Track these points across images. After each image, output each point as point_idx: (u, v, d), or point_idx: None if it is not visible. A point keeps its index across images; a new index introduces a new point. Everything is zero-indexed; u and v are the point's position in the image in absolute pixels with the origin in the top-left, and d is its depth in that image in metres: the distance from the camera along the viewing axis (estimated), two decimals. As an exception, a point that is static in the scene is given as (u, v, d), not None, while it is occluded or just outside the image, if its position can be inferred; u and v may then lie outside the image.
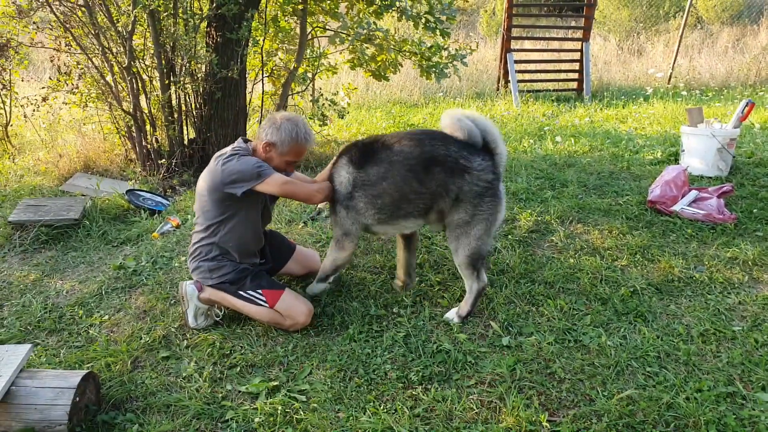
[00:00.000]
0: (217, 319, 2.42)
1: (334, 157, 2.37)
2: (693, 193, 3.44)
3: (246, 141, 2.37)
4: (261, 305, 2.31)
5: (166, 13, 4.30)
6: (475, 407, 1.84)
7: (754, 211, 3.33)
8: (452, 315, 2.33)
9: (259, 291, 2.32)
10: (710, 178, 4.00)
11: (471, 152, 2.13)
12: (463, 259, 2.22)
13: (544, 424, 1.74)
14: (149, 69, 4.55)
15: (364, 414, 1.82)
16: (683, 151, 4.24)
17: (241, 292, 2.33)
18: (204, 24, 4.46)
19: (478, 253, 2.20)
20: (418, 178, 2.14)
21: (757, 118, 6.02)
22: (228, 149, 2.31)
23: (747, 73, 9.15)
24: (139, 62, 4.42)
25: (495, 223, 2.20)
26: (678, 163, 4.28)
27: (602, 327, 2.26)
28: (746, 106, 4.01)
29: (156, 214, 3.83)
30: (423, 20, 4.60)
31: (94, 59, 4.41)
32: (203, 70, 4.53)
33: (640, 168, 4.38)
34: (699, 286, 2.56)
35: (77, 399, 1.76)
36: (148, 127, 4.54)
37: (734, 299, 2.43)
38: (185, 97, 4.61)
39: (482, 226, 2.16)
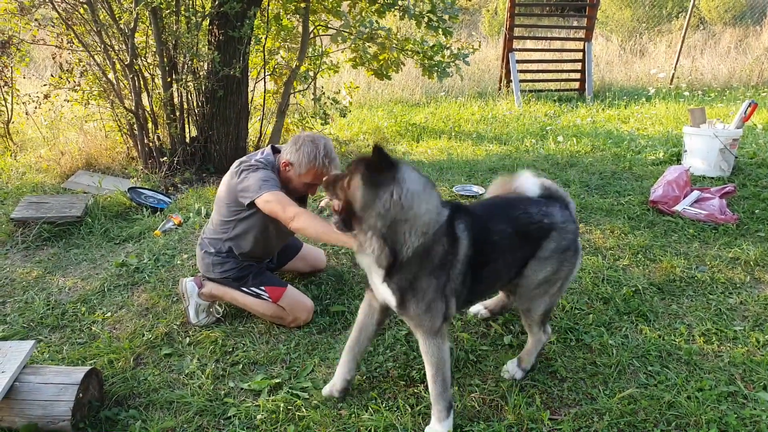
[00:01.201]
0: (218, 316, 2.42)
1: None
2: (695, 194, 3.44)
3: (276, 151, 2.31)
4: (264, 299, 2.32)
5: (168, 11, 4.30)
6: (477, 405, 1.84)
7: (756, 211, 3.33)
8: (514, 369, 2.00)
9: (262, 288, 2.33)
10: (712, 178, 4.00)
11: (548, 206, 1.87)
12: (537, 317, 1.95)
13: (546, 422, 1.75)
14: (151, 67, 4.55)
15: (366, 411, 1.82)
16: (685, 151, 4.24)
17: (243, 288, 2.34)
18: (206, 22, 4.46)
19: (550, 308, 1.97)
20: (512, 258, 1.86)
21: (760, 119, 6.02)
22: (253, 158, 2.25)
23: (749, 74, 9.14)
24: (141, 60, 4.42)
25: (571, 277, 1.96)
26: (680, 164, 4.28)
27: (604, 326, 2.26)
28: (749, 106, 4.01)
29: (158, 212, 3.84)
30: (425, 19, 4.60)
31: (96, 57, 4.41)
32: (205, 68, 4.54)
33: (642, 168, 4.38)
34: (701, 286, 2.56)
35: (80, 395, 1.76)
36: (150, 125, 4.55)
37: (736, 299, 2.43)
38: (187, 95, 4.61)
39: (560, 284, 1.91)
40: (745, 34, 10.99)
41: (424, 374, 1.99)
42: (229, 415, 1.85)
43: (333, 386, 1.93)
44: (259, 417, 1.81)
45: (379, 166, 1.55)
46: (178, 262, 2.97)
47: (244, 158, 2.29)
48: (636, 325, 2.27)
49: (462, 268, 1.69)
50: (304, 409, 1.85)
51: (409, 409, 1.82)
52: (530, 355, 2.00)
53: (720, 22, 13.26)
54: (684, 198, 3.41)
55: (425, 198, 1.60)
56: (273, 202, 2.05)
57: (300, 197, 2.30)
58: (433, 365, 1.72)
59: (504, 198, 1.96)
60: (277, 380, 2.00)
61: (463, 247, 1.68)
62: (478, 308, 2.33)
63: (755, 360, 2.00)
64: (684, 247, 2.93)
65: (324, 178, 1.72)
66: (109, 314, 2.52)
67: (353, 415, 1.81)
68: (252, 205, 2.14)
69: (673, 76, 8.97)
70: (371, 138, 6.23)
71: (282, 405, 1.86)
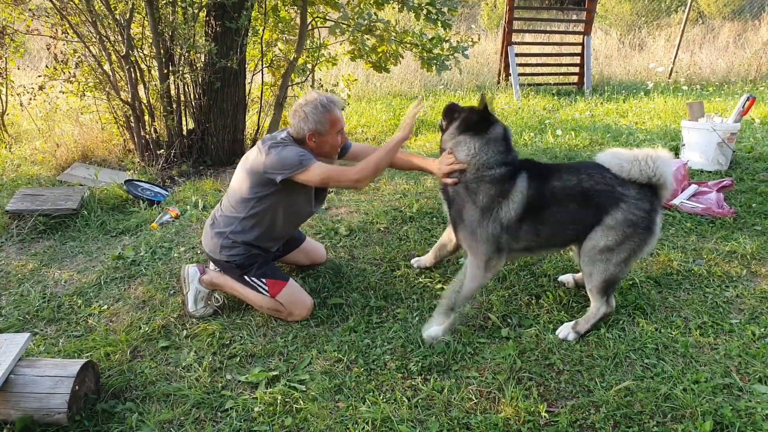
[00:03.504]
0: (217, 306, 2.42)
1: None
2: (693, 187, 3.45)
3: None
4: (262, 293, 2.31)
5: (164, 2, 4.26)
6: (474, 397, 1.85)
7: (753, 205, 3.33)
8: (567, 330, 2.13)
9: (263, 279, 2.32)
10: (710, 172, 4.01)
11: (627, 181, 2.04)
12: (597, 284, 2.08)
13: (543, 414, 1.75)
14: (148, 58, 4.51)
15: (364, 404, 1.83)
16: (683, 145, 4.24)
17: (245, 277, 2.33)
18: (203, 13, 4.42)
19: (614, 279, 2.08)
20: (576, 213, 2.06)
21: (758, 113, 6.02)
22: (278, 136, 2.29)
23: (748, 68, 9.14)
24: (138, 51, 4.38)
25: (640, 254, 2.07)
26: (678, 157, 4.28)
27: (601, 319, 2.26)
28: (747, 100, 4.00)
29: (155, 205, 3.82)
30: (424, 11, 4.56)
31: (91, 48, 4.37)
32: (202, 59, 4.50)
33: (639, 162, 4.37)
34: (697, 279, 2.56)
35: (76, 387, 1.76)
36: (146, 117, 4.51)
37: (732, 292, 2.44)
38: (184, 87, 4.57)
39: (625, 255, 2.04)
40: (743, 29, 10.97)
41: (422, 367, 2.00)
42: (226, 407, 1.85)
43: (417, 261, 2.67)
44: (256, 409, 1.81)
45: (478, 120, 2.14)
46: (175, 254, 2.96)
47: (267, 136, 2.32)
48: (633, 318, 2.28)
49: (516, 208, 2.04)
50: (301, 402, 1.85)
51: (406, 401, 1.83)
52: (587, 322, 2.12)
53: (719, 16, 13.23)
54: (682, 192, 3.41)
55: (495, 151, 2.11)
56: (329, 170, 2.18)
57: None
58: (461, 281, 2.13)
59: (591, 163, 2.17)
60: (274, 373, 1.99)
61: (518, 192, 2.05)
62: (568, 278, 2.51)
63: (751, 352, 2.01)
64: (681, 241, 2.93)
65: (444, 107, 2.30)
66: (105, 307, 2.51)
67: (351, 407, 1.81)
68: (287, 181, 2.16)
69: (671, 71, 8.95)
70: (370, 131, 6.20)
71: (279, 397, 1.86)
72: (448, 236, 2.53)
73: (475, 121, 2.14)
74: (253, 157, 2.26)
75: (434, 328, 2.12)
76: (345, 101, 5.62)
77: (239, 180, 2.31)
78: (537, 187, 2.07)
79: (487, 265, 2.08)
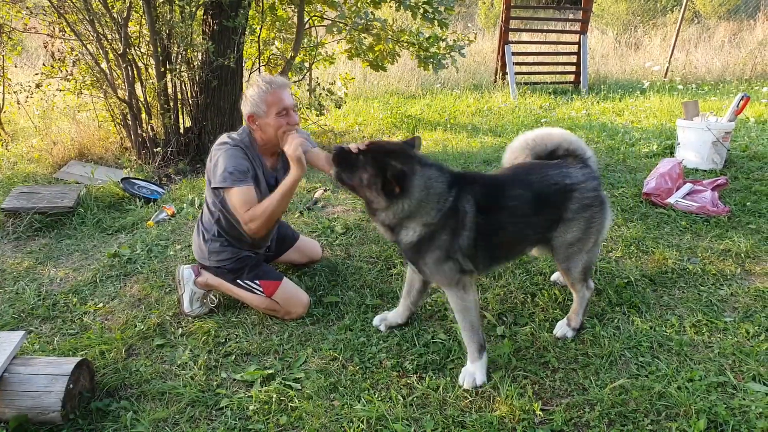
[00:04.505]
0: (212, 305, 2.42)
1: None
2: (687, 186, 3.46)
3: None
4: (258, 294, 2.31)
5: (161, 0, 4.24)
6: (468, 396, 1.85)
7: (748, 204, 3.35)
8: (564, 329, 2.12)
9: (257, 281, 2.32)
10: (705, 171, 4.02)
11: (567, 166, 1.99)
12: (578, 274, 2.07)
13: (538, 412, 1.76)
14: (145, 56, 4.50)
15: (359, 402, 1.83)
16: (679, 144, 4.25)
17: (238, 281, 2.33)
18: (200, 11, 4.41)
19: (590, 263, 2.08)
20: (532, 222, 1.97)
21: (752, 112, 6.04)
22: (233, 134, 2.27)
23: (743, 67, 9.16)
24: (135, 49, 4.37)
25: (604, 230, 2.06)
26: (673, 156, 4.29)
27: (596, 317, 2.27)
28: (741, 99, 4.02)
29: (151, 203, 3.81)
30: (421, 10, 4.56)
31: (88, 46, 4.35)
32: (199, 58, 4.49)
33: (635, 160, 4.39)
34: (692, 277, 2.57)
35: (71, 386, 1.76)
36: (143, 115, 4.50)
37: (726, 291, 2.45)
38: (181, 86, 4.57)
39: (594, 238, 2.02)
40: (739, 28, 11.00)
41: (417, 365, 2.00)
42: (221, 405, 1.85)
43: (384, 320, 2.23)
44: (251, 408, 1.81)
45: (397, 183, 1.74)
46: (171, 252, 2.96)
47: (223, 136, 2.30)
48: (628, 316, 2.29)
49: (471, 235, 1.86)
50: (296, 400, 1.85)
51: (402, 400, 1.83)
52: (577, 314, 2.11)
53: (714, 15, 13.26)
54: (677, 190, 3.42)
55: (431, 201, 1.81)
56: (238, 201, 2.10)
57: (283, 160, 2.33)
58: (458, 311, 1.95)
59: (525, 164, 2.07)
60: (269, 371, 1.99)
61: (469, 220, 1.85)
62: (556, 276, 2.49)
63: (745, 351, 2.02)
64: (676, 239, 2.94)
65: (333, 154, 1.84)
66: (101, 305, 2.51)
67: (346, 406, 1.82)
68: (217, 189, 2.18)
69: (667, 70, 8.98)
70: (366, 130, 6.20)
71: (274, 396, 1.86)
72: (411, 274, 2.22)
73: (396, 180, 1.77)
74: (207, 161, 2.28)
75: (478, 376, 1.91)
76: (342, 99, 5.62)
77: (207, 185, 2.34)
78: (486, 212, 1.89)
79: (464, 289, 1.92)
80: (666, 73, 8.94)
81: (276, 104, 2.16)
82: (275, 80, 2.20)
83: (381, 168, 1.75)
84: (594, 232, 2.00)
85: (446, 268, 1.88)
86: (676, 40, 8.93)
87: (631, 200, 3.45)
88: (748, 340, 2.10)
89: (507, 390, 1.85)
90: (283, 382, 1.94)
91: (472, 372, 1.90)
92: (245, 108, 2.21)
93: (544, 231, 2.02)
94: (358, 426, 1.72)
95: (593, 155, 2.06)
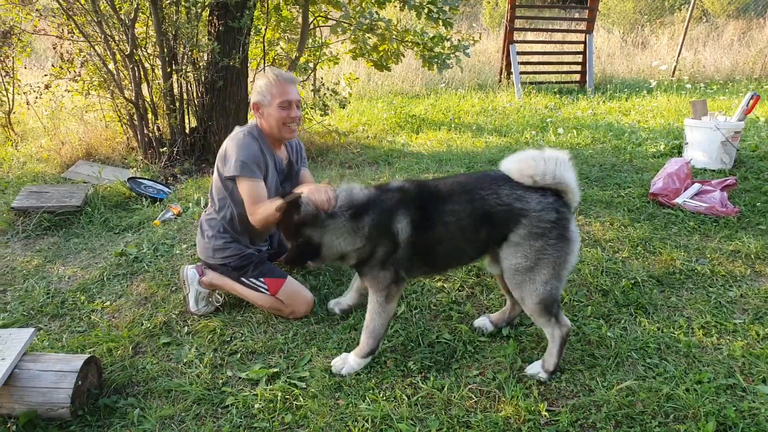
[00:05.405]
0: (218, 305, 2.43)
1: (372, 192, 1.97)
2: (696, 186, 3.43)
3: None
4: (262, 292, 2.32)
5: (168, 1, 4.27)
6: (474, 396, 1.85)
7: (758, 204, 3.32)
8: (537, 369, 1.94)
9: (261, 279, 2.33)
10: (713, 171, 3.99)
11: (526, 189, 1.85)
12: (533, 307, 1.89)
13: (544, 413, 1.75)
14: (151, 57, 4.54)
15: (364, 401, 1.83)
16: (686, 143, 4.22)
17: (243, 279, 2.34)
18: (206, 12, 4.43)
19: (550, 299, 1.87)
20: (471, 237, 1.91)
21: (762, 112, 5.98)
22: (244, 127, 2.33)
23: (752, 66, 9.08)
24: (141, 50, 4.40)
25: (565, 266, 1.87)
26: (681, 156, 4.26)
27: (603, 318, 2.26)
28: (751, 98, 3.98)
29: (157, 202, 3.84)
30: (425, 10, 4.56)
31: (96, 47, 4.39)
32: (205, 58, 4.52)
33: (642, 160, 4.36)
34: (700, 278, 2.55)
35: (79, 383, 1.77)
36: (149, 115, 4.53)
37: (736, 292, 2.42)
38: (187, 86, 4.59)
39: (549, 271, 1.84)
40: (748, 27, 10.90)
41: (422, 365, 2.00)
42: (226, 403, 1.85)
43: (338, 304, 2.38)
44: (256, 406, 1.82)
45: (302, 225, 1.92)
46: (177, 251, 2.97)
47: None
48: (635, 317, 2.27)
49: (407, 250, 1.92)
50: (301, 399, 1.85)
51: (406, 399, 1.83)
52: (551, 355, 1.92)
53: (723, 14, 13.15)
54: (685, 190, 3.40)
55: (348, 236, 1.93)
56: (248, 196, 2.18)
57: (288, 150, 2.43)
58: (371, 312, 2.01)
59: (478, 176, 2.01)
60: (275, 369, 2.00)
61: (403, 239, 1.91)
62: (484, 321, 2.24)
63: (755, 353, 2.00)
64: (684, 240, 2.92)
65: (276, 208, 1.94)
66: (108, 303, 2.52)
67: (351, 405, 1.82)
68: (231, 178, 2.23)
69: (675, 69, 8.91)
70: (371, 130, 6.21)
71: (280, 394, 1.86)
72: None
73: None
74: (219, 151, 2.32)
75: (348, 367, 1.99)
76: (346, 99, 5.62)
77: (212, 182, 2.39)
78: (421, 228, 1.90)
79: (387, 298, 1.98)
80: (673, 72, 8.87)
81: (281, 95, 2.23)
82: (284, 74, 2.28)
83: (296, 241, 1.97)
84: (547, 264, 1.84)
85: (380, 276, 1.97)
86: (684, 39, 8.86)
87: (637, 200, 3.42)
88: (758, 342, 2.08)
89: (512, 390, 1.84)
90: (288, 380, 1.95)
91: (350, 363, 1.99)
92: (252, 96, 2.30)
93: (489, 246, 1.94)
94: (363, 425, 1.72)
95: (576, 194, 1.89)
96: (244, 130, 2.29)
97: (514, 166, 1.90)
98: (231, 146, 2.23)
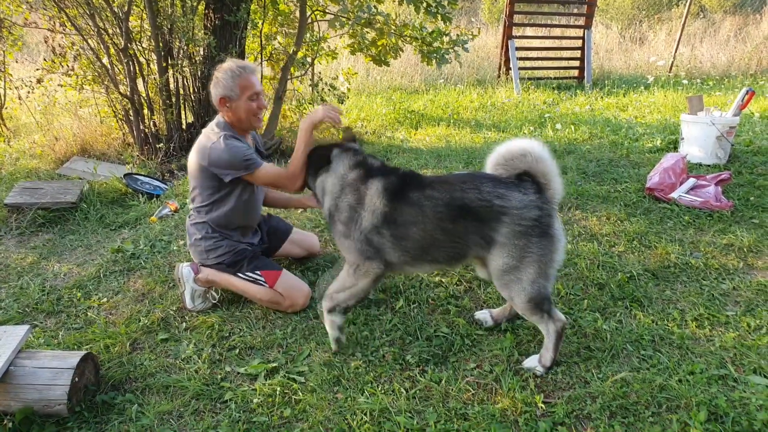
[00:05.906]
0: (214, 301, 2.43)
1: (349, 160, 2.09)
2: (691, 181, 3.45)
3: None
4: (261, 285, 2.33)
5: (162, -6, 4.24)
6: (471, 389, 1.86)
7: (751, 198, 3.34)
8: (534, 363, 1.95)
9: (258, 272, 2.33)
10: (709, 165, 4.01)
11: (507, 187, 1.84)
12: (523, 306, 1.89)
13: (540, 405, 1.77)
14: (146, 51, 4.50)
15: (362, 395, 1.84)
16: (682, 139, 4.24)
17: (239, 274, 2.34)
18: (202, 5, 4.40)
19: (538, 296, 1.86)
20: (447, 228, 1.89)
21: (757, 107, 6.01)
22: (214, 128, 2.30)
23: (748, 62, 9.11)
24: (136, 44, 4.36)
25: (551, 263, 1.85)
26: (677, 151, 4.28)
27: (599, 311, 2.28)
28: (746, 94, 4.00)
29: (154, 198, 3.82)
30: (424, 5, 4.54)
31: (89, 41, 4.35)
32: (201, 53, 4.49)
33: (639, 156, 4.38)
34: (694, 272, 2.57)
35: (76, 379, 1.77)
36: (145, 110, 4.50)
37: (729, 285, 2.45)
38: (183, 81, 4.56)
39: (535, 269, 1.83)
40: (744, 23, 10.92)
41: (420, 358, 2.01)
42: (225, 399, 1.86)
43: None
44: (255, 401, 1.83)
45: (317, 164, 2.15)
46: (174, 248, 2.97)
47: (206, 129, 2.35)
48: (630, 310, 2.29)
49: (373, 219, 1.97)
50: (300, 393, 1.86)
51: (404, 393, 1.84)
52: (547, 350, 1.92)
53: (720, 10, 13.17)
54: (680, 185, 3.42)
55: (334, 179, 2.09)
56: (273, 176, 2.23)
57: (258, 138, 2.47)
58: (338, 281, 2.08)
59: (468, 174, 2.05)
60: (273, 364, 2.01)
61: (371, 201, 1.98)
62: (485, 315, 2.26)
63: (746, 344, 2.02)
64: (679, 234, 2.94)
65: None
66: (105, 300, 2.52)
67: (349, 399, 1.83)
68: (236, 180, 2.23)
69: (672, 64, 8.93)
70: (369, 125, 6.20)
71: (278, 389, 1.87)
72: None
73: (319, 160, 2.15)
74: (199, 156, 2.27)
75: (322, 306, 2.10)
76: (345, 94, 5.61)
77: (192, 186, 2.37)
78: (393, 198, 1.94)
79: (355, 270, 2.02)
80: (671, 68, 8.89)
81: (249, 88, 2.25)
82: (247, 65, 2.28)
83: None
84: (532, 262, 1.83)
85: (347, 245, 2.04)
86: (681, 35, 8.87)
87: (634, 195, 3.44)
88: (750, 333, 2.11)
89: (509, 383, 1.86)
90: (286, 375, 1.95)
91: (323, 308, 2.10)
92: (217, 90, 2.26)
93: (471, 246, 1.91)
94: (362, 418, 1.73)
95: (559, 185, 1.88)
96: (219, 134, 2.25)
97: (498, 151, 1.91)
98: (219, 154, 2.19)
